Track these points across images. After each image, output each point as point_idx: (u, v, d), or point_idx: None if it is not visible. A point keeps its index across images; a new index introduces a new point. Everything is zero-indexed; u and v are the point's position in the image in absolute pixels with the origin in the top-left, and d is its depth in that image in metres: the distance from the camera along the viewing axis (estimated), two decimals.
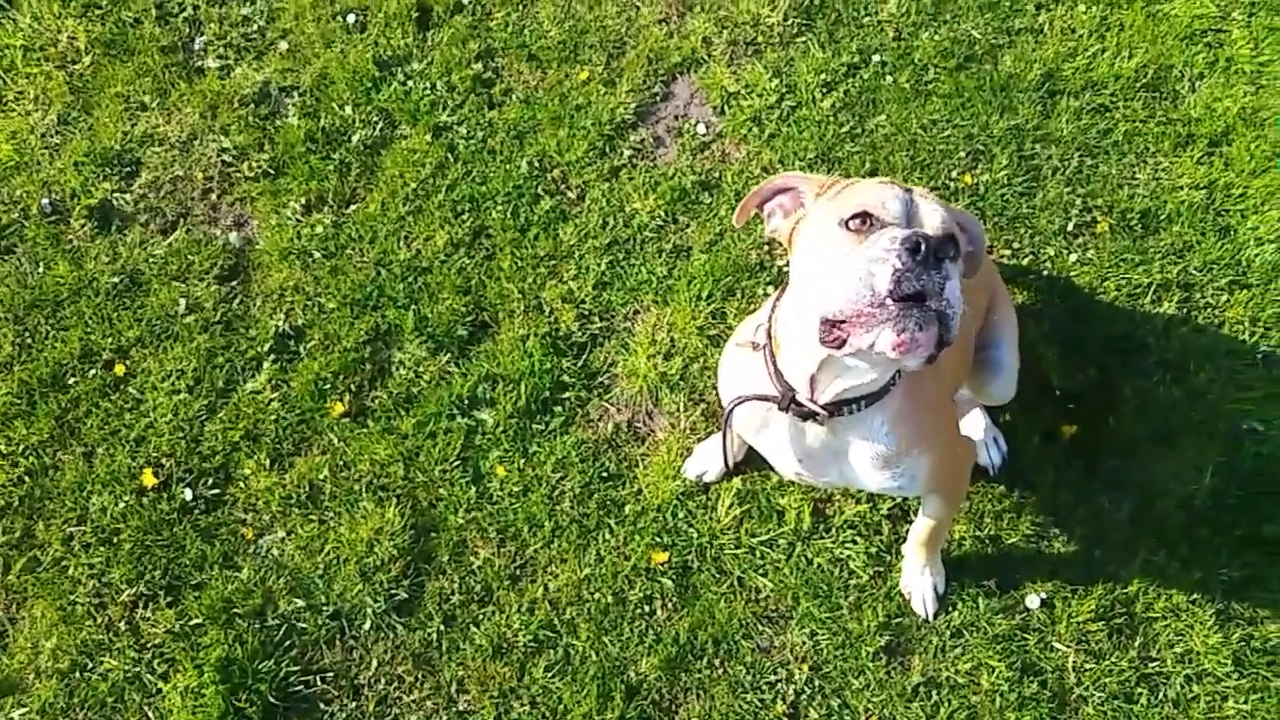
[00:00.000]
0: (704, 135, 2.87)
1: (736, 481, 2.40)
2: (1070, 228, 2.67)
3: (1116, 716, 2.17)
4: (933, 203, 1.49)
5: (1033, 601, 2.27)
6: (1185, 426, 2.43)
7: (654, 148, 2.88)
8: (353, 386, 2.54)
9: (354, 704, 2.23)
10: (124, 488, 2.43)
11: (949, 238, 1.44)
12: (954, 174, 2.75)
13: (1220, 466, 2.38)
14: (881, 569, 2.32)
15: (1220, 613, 2.26)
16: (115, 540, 2.37)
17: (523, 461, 2.45)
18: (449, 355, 2.57)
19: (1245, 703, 2.18)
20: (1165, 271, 2.60)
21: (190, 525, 2.40)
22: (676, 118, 2.92)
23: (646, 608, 2.30)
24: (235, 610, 2.30)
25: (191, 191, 2.84)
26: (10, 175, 2.83)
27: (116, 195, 2.80)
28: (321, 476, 2.44)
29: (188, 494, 2.42)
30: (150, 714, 2.21)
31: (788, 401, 1.66)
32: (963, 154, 2.77)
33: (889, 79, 2.89)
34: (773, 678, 2.23)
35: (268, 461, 2.46)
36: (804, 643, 2.26)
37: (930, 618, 2.26)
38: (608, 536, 2.37)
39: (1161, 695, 2.20)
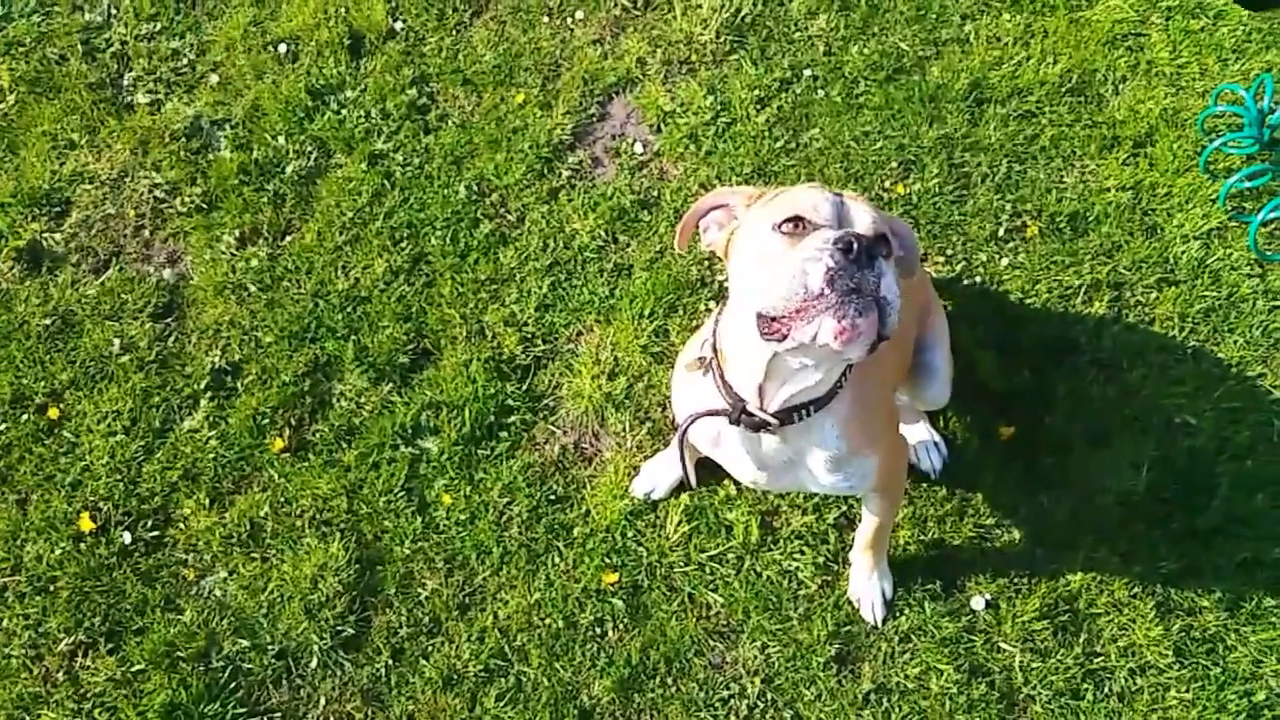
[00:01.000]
0: (641, 154, 2.89)
1: (685, 498, 2.41)
2: (1001, 233, 2.71)
3: (1064, 714, 2.20)
4: (863, 205, 1.53)
5: (978, 603, 2.29)
6: (1120, 423, 2.47)
7: (592, 168, 2.89)
8: (292, 420, 2.51)
9: None
10: (60, 534, 2.38)
11: (880, 237, 1.49)
12: (887, 184, 2.79)
13: (1155, 461, 2.43)
14: (830, 578, 2.33)
15: (1160, 605, 2.30)
16: (52, 588, 2.32)
17: (469, 489, 2.43)
18: (391, 384, 2.55)
19: (1187, 691, 2.22)
20: (1095, 272, 2.66)
21: (130, 569, 2.36)
22: (614, 138, 2.94)
23: (598, 630, 2.30)
24: (178, 654, 2.26)
25: (123, 229, 2.80)
26: None
27: (46, 235, 2.76)
28: (263, 514, 2.41)
29: (126, 537, 2.38)
30: None
31: (738, 414, 1.68)
32: (895, 164, 2.81)
33: (821, 93, 2.93)
34: (725, 693, 2.23)
35: (208, 501, 2.43)
36: (755, 656, 2.26)
37: (879, 624, 2.28)
38: (557, 560, 2.36)
39: (1107, 690, 2.23)
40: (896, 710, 2.20)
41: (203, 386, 2.55)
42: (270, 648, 2.27)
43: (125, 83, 3.02)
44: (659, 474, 2.40)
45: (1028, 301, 2.63)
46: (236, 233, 2.75)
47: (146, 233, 2.80)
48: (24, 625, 2.28)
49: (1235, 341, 2.58)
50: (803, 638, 2.27)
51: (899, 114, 2.88)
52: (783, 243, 1.48)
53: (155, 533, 2.41)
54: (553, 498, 2.43)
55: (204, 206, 2.81)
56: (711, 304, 2.64)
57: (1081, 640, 2.27)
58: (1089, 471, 2.42)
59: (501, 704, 2.21)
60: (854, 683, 2.23)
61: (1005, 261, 2.67)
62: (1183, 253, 2.69)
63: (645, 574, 2.35)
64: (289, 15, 3.09)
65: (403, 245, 2.74)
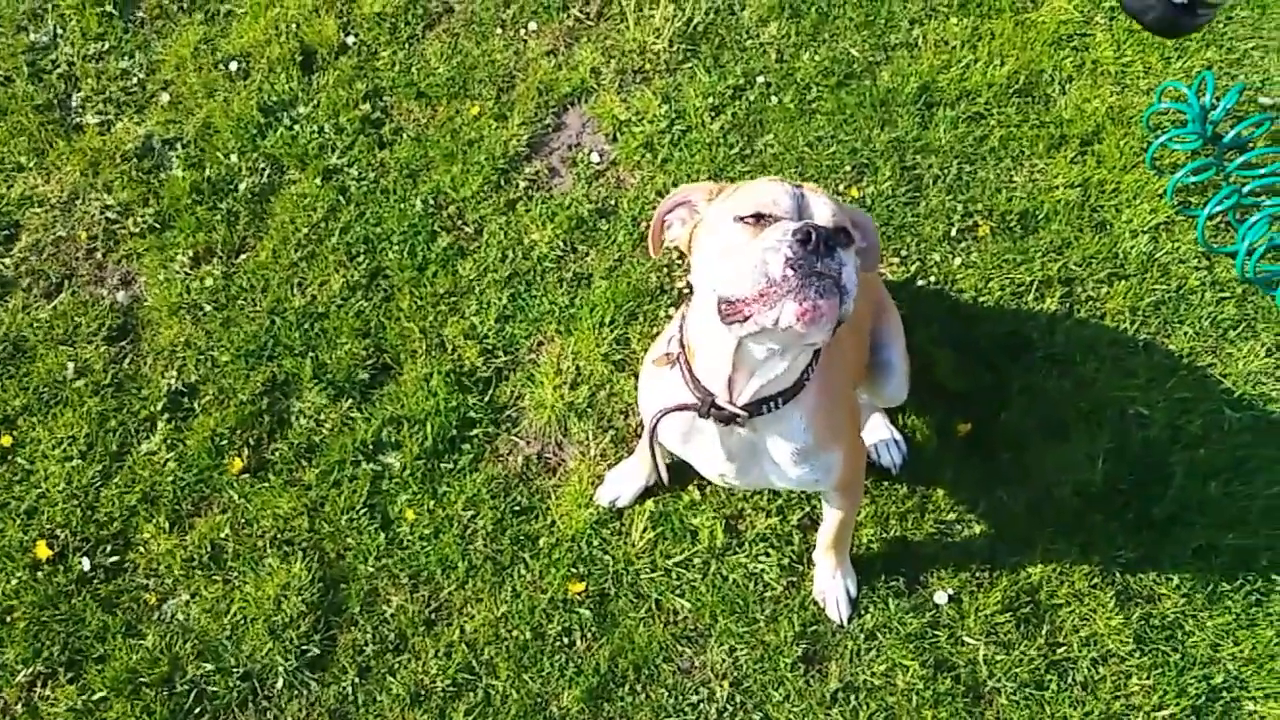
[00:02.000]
0: (598, 163, 2.90)
1: (649, 504, 2.41)
2: (953, 233, 2.75)
3: (1029, 705, 2.23)
4: (822, 198, 1.56)
5: (941, 598, 2.32)
6: (1075, 416, 2.51)
7: (549, 178, 2.89)
8: (251, 440, 2.49)
9: None
10: (16, 563, 2.34)
11: (840, 229, 1.52)
12: (841, 188, 2.82)
13: (1110, 453, 2.47)
14: (795, 579, 2.35)
15: (1120, 594, 2.33)
16: (9, 619, 2.28)
17: (432, 503, 2.42)
18: (350, 401, 2.54)
19: (1148, 678, 2.25)
20: (1046, 269, 2.70)
21: (90, 595, 2.33)
22: (570, 148, 2.94)
23: (565, 640, 2.29)
24: (141, 680, 2.23)
25: (75, 252, 2.77)
26: None
27: None
28: (224, 535, 2.38)
29: (85, 564, 2.35)
30: None
31: (707, 407, 1.70)
32: (848, 168, 2.84)
33: (774, 99, 2.96)
34: (695, 698, 2.24)
35: (167, 524, 2.40)
36: (723, 660, 2.27)
37: (844, 622, 2.30)
38: (523, 571, 2.36)
39: (1070, 680, 2.26)
40: (864, 708, 2.22)
41: (159, 408, 2.52)
42: (235, 670, 2.25)
43: (73, 103, 2.98)
44: (623, 482, 2.41)
45: (981, 300, 2.66)
46: (190, 252, 2.73)
47: (99, 255, 2.77)
48: None
49: (1185, 333, 2.63)
50: (770, 639, 2.29)
51: (851, 119, 2.92)
52: (744, 234, 1.51)
53: (115, 558, 2.37)
54: (517, 509, 2.43)
55: (157, 227, 2.78)
56: (672, 310, 2.65)
57: (1044, 631, 2.30)
58: (1046, 465, 2.46)
59: (470, 718, 2.20)
60: (821, 682, 2.25)
61: (958, 261, 2.71)
62: (1132, 247, 2.75)
63: (612, 582, 2.35)
64: (239, 32, 3.07)
65: (359, 260, 2.73)
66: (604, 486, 2.43)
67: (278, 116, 2.93)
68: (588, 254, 2.75)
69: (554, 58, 3.06)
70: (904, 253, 2.73)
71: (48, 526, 2.38)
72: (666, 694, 2.24)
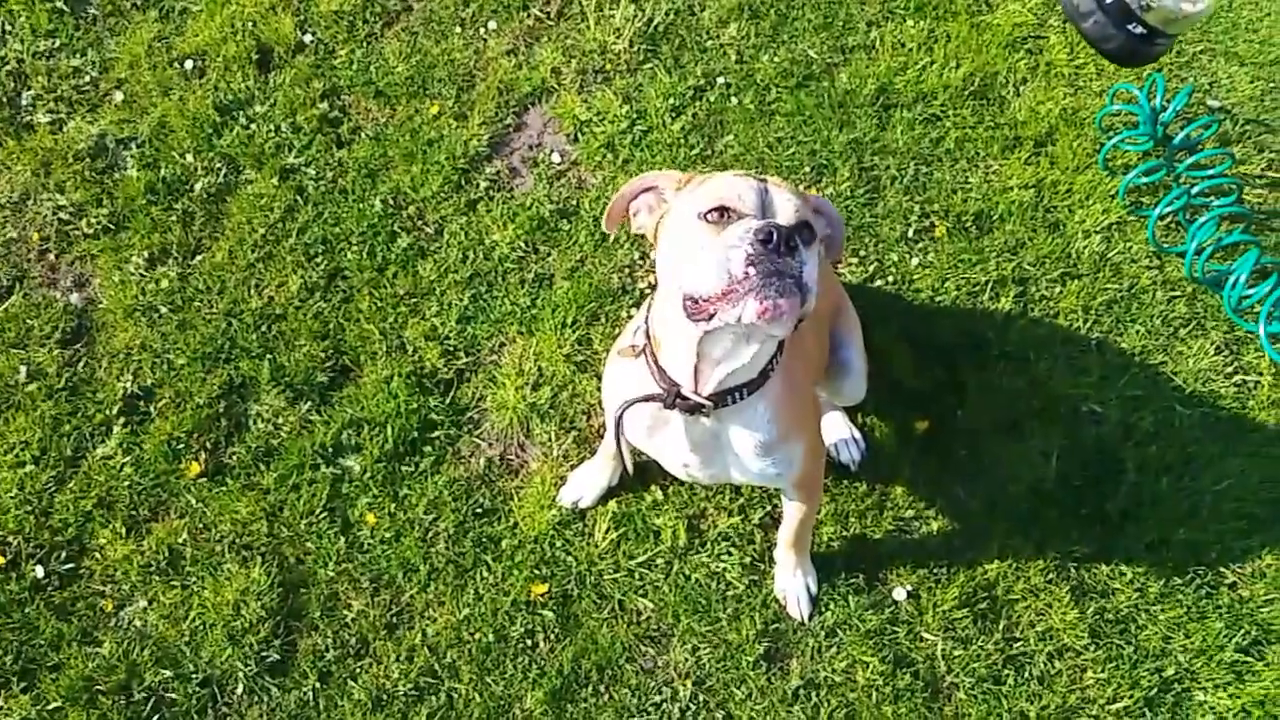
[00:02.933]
0: (559, 164, 2.89)
1: (612, 505, 2.42)
2: (910, 233, 2.79)
3: (987, 699, 2.26)
4: (786, 193, 1.58)
5: (900, 594, 2.35)
6: (1029, 414, 2.56)
7: (510, 178, 2.89)
8: (208, 444, 2.46)
9: None
10: None
11: (802, 224, 1.55)
12: (800, 188, 2.83)
13: (1064, 449, 2.51)
14: (756, 577, 2.37)
15: (1075, 588, 2.38)
16: None
17: (393, 506, 2.41)
18: (309, 403, 2.51)
19: (1103, 672, 2.30)
20: (1001, 269, 2.74)
21: (44, 603, 2.29)
22: (531, 148, 2.94)
23: (529, 642, 2.29)
24: (98, 688, 2.20)
25: (27, 254, 2.72)
26: None
27: None
28: (181, 540, 2.35)
29: (39, 571, 2.31)
30: None
31: (673, 398, 1.71)
32: (808, 169, 2.87)
33: (734, 100, 2.97)
34: (658, 698, 2.25)
35: (124, 529, 2.36)
36: (686, 659, 2.28)
37: (806, 619, 2.32)
38: (485, 574, 2.35)
39: (1027, 674, 2.30)
40: (825, 704, 2.24)
41: (115, 412, 2.48)
42: (194, 677, 2.22)
43: (24, 102, 2.92)
44: (586, 482, 2.41)
45: (938, 299, 2.70)
46: (145, 253, 2.69)
47: (51, 256, 2.72)
48: None
49: (1137, 331, 2.68)
50: (732, 638, 2.30)
51: (810, 120, 2.94)
52: (708, 231, 1.53)
53: (70, 565, 2.34)
54: (479, 511, 2.42)
55: (111, 227, 2.74)
56: (634, 310, 2.65)
57: (1001, 626, 2.34)
58: (1002, 462, 2.50)
59: None
60: (783, 679, 2.27)
61: (915, 261, 2.75)
62: (1084, 247, 2.80)
63: (575, 583, 2.35)
64: (195, 30, 3.03)
65: (318, 261, 2.70)
66: (566, 487, 2.43)
67: (234, 115, 2.90)
68: (549, 254, 2.75)
69: (514, 57, 3.05)
70: (862, 253, 2.76)
71: (0, 534, 2.35)
72: (630, 694, 2.25)
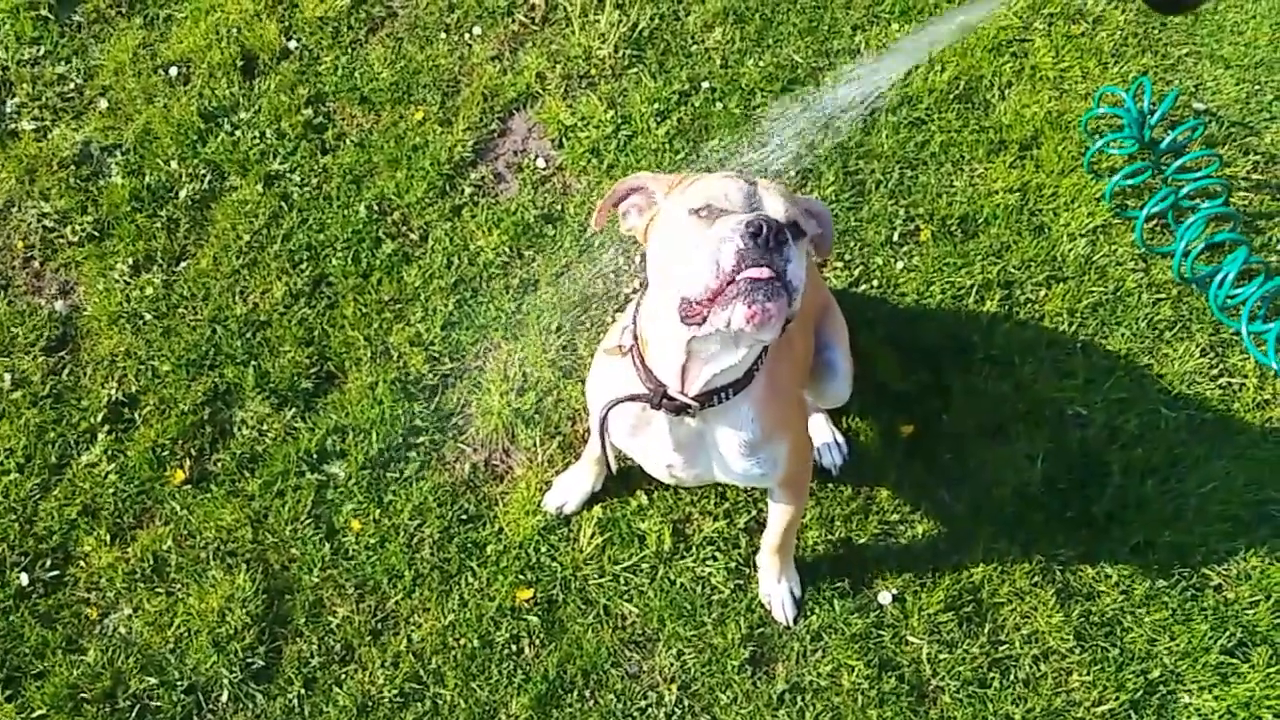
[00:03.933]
0: (544, 169, 2.89)
1: (597, 510, 2.42)
2: (895, 237, 2.79)
3: (972, 703, 2.26)
4: (775, 192, 1.60)
5: (885, 598, 2.35)
6: (1014, 417, 2.56)
7: (495, 184, 2.89)
8: (193, 451, 2.46)
9: None
10: None
11: (791, 223, 1.55)
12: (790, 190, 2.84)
13: (1050, 453, 2.52)
14: (742, 582, 2.37)
15: (1060, 591, 2.38)
16: None
17: (378, 512, 2.41)
18: (294, 410, 2.51)
19: (1088, 674, 2.30)
20: (986, 272, 2.74)
21: (28, 611, 2.29)
22: (516, 153, 2.94)
23: (514, 647, 2.29)
24: (82, 696, 2.19)
25: (12, 261, 2.71)
26: None
27: None
28: (166, 547, 2.35)
29: (24, 579, 2.31)
30: None
31: (659, 398, 1.72)
32: (793, 173, 2.87)
33: (719, 105, 2.98)
34: (643, 703, 2.24)
35: (108, 537, 2.36)
36: (672, 664, 2.28)
37: (791, 623, 2.32)
38: (470, 580, 2.35)
39: (1012, 677, 2.30)
40: (810, 709, 2.24)
41: (99, 420, 2.48)
42: (179, 684, 2.22)
43: (8, 109, 2.92)
44: (571, 487, 2.41)
45: (923, 303, 2.70)
46: (130, 261, 2.69)
47: (36, 264, 2.72)
48: None
49: (1122, 334, 2.69)
50: (718, 642, 2.30)
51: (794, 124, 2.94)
52: (698, 226, 1.55)
53: (54, 572, 2.33)
54: (464, 517, 2.42)
55: (96, 235, 2.73)
56: (618, 315, 2.65)
57: (986, 630, 2.34)
58: (987, 465, 2.50)
59: None
60: (769, 684, 2.27)
61: (900, 265, 2.75)
62: (1070, 250, 2.80)
63: (560, 588, 2.35)
64: (179, 37, 3.03)
65: (303, 267, 2.70)
66: (551, 492, 2.43)
67: (219, 122, 2.90)
68: (534, 260, 2.75)
69: (499, 63, 3.06)
70: (847, 257, 2.76)
71: None
72: (615, 699, 2.24)
